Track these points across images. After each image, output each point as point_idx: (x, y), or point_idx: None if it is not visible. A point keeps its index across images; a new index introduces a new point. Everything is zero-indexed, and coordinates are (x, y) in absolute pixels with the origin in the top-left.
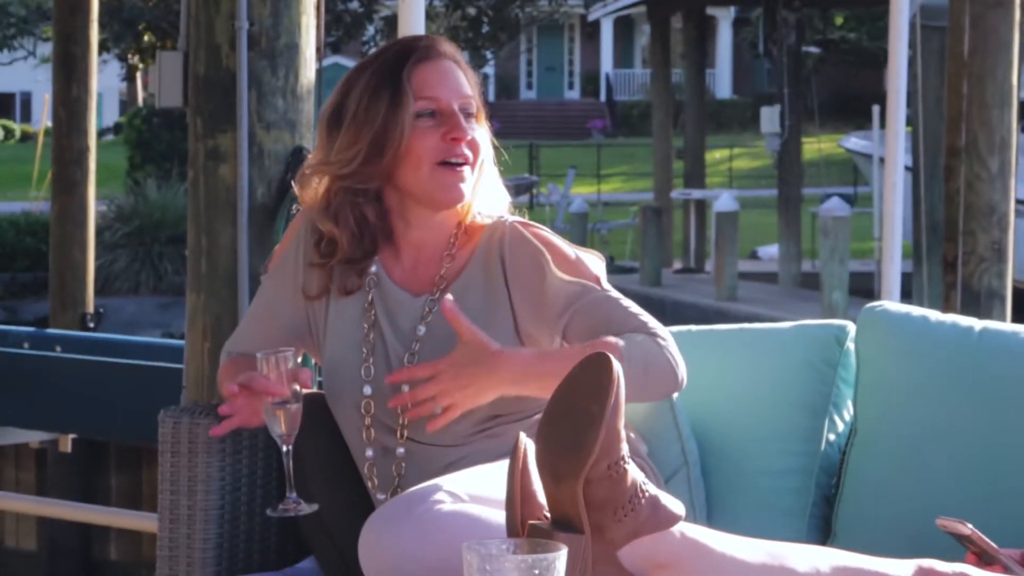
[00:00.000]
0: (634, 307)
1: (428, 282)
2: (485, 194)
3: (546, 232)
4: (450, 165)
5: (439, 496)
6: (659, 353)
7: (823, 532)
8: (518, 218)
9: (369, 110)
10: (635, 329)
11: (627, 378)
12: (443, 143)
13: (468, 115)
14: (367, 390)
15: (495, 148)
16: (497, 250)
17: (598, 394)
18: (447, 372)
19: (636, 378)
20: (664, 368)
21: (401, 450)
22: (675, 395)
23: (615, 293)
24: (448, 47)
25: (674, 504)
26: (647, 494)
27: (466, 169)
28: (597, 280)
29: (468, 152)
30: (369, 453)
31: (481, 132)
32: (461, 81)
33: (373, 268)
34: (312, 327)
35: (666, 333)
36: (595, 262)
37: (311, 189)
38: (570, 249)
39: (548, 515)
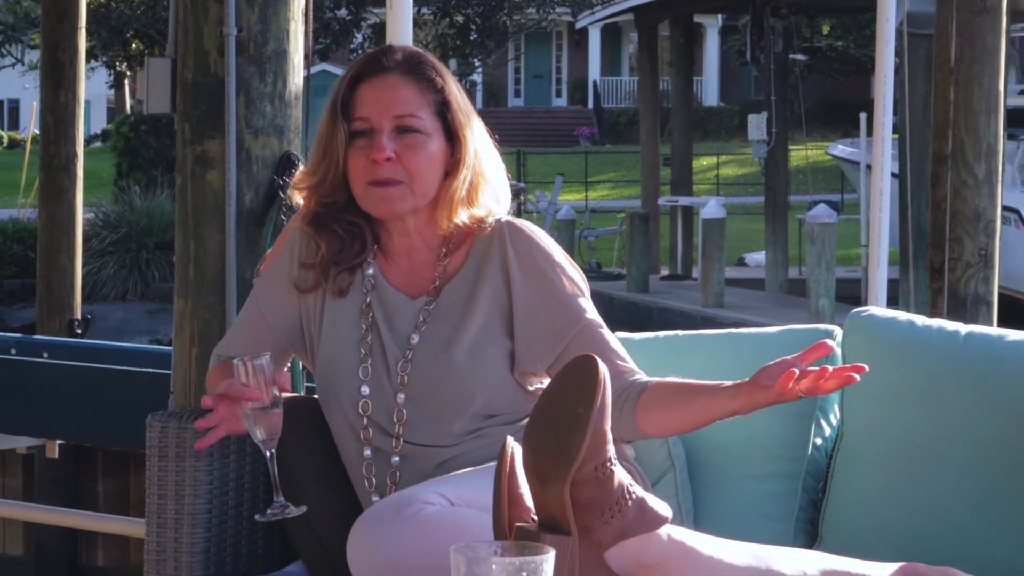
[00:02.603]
0: (615, 342)
1: (424, 285)
2: (479, 197)
3: (541, 233)
4: (377, 184)
5: (428, 498)
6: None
7: (809, 536)
8: (511, 218)
9: (320, 128)
10: (625, 372)
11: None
12: (367, 164)
13: (406, 131)
14: (364, 390)
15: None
16: (497, 249)
17: (584, 396)
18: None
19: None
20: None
21: (396, 459)
22: None
23: (598, 318)
24: (400, 57)
25: (661, 506)
26: (634, 496)
27: (396, 188)
28: (582, 292)
29: (394, 172)
30: (367, 452)
31: (420, 148)
32: (399, 97)
33: (371, 271)
34: (305, 327)
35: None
36: (580, 274)
37: (299, 196)
38: (561, 253)
39: (535, 518)
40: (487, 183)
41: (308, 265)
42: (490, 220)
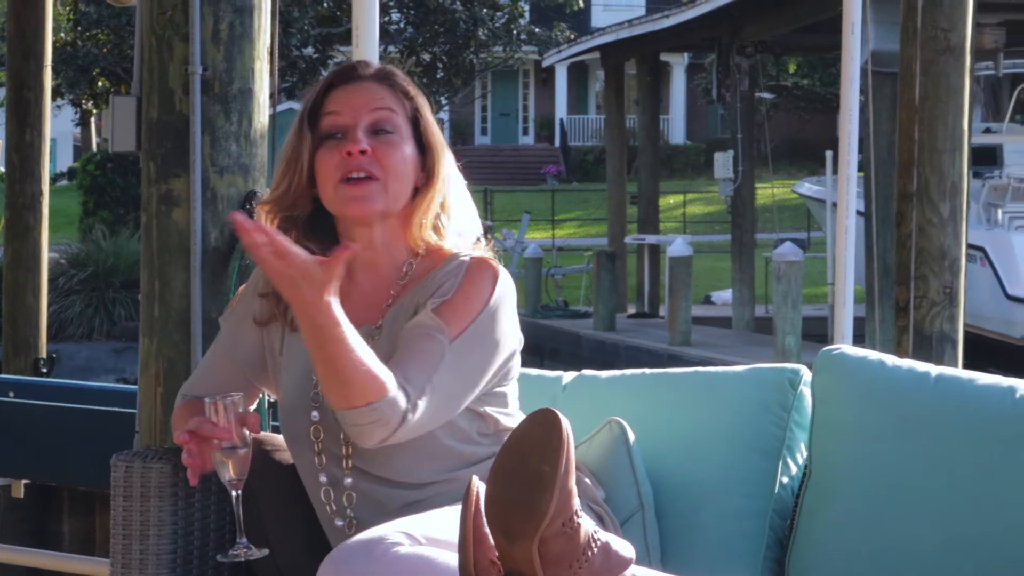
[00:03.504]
0: (437, 374)
1: (374, 312)
2: (452, 217)
3: (485, 276)
4: (351, 180)
5: (396, 539)
6: (392, 416)
7: (776, 575)
8: (482, 254)
9: (287, 141)
10: (409, 382)
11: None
12: (341, 159)
13: (382, 131)
14: (315, 415)
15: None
16: (446, 281)
17: (549, 455)
18: (294, 265)
19: (365, 411)
20: (381, 424)
21: (349, 481)
22: (631, 438)
23: (444, 351)
24: (374, 69)
25: (624, 548)
26: (599, 542)
27: (371, 185)
28: (460, 332)
29: (370, 166)
30: (323, 479)
31: (396, 146)
32: (375, 96)
33: None
34: (269, 360)
35: (411, 413)
36: (509, 340)
37: (263, 216)
38: (486, 302)
39: (499, 560)
40: (456, 208)
41: (264, 295)
42: (464, 256)
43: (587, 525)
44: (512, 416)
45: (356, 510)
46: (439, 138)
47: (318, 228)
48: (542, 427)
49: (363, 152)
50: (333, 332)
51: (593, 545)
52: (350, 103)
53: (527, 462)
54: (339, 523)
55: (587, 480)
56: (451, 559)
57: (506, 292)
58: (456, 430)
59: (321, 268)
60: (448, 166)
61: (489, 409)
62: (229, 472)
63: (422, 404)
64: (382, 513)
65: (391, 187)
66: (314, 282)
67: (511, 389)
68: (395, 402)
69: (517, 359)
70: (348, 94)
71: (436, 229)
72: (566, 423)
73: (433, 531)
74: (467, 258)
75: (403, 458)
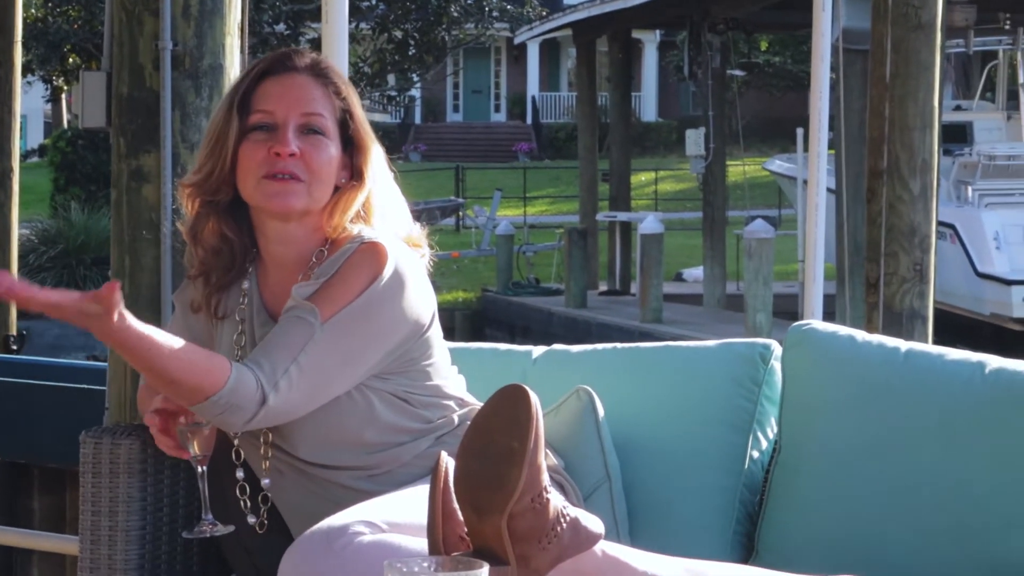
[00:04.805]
0: (304, 354)
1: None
2: (379, 216)
3: (368, 260)
4: (273, 178)
5: (357, 528)
6: (244, 402)
7: (746, 549)
8: (378, 239)
9: (213, 122)
10: (260, 365)
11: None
12: (268, 156)
13: (311, 131)
14: None
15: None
16: (328, 262)
17: (518, 430)
18: (68, 310)
19: (210, 405)
20: (234, 410)
21: (266, 481)
22: (599, 407)
23: (313, 331)
24: (309, 61)
25: (594, 523)
26: (568, 517)
27: (295, 184)
28: (333, 313)
29: (296, 168)
30: (240, 474)
31: (323, 148)
32: (309, 96)
33: (246, 284)
34: (209, 342)
35: (272, 394)
36: (406, 321)
37: (187, 206)
38: (366, 285)
39: (468, 537)
40: (384, 208)
41: (192, 276)
42: (357, 242)
43: (556, 501)
44: (449, 379)
45: (274, 504)
46: (368, 137)
47: (235, 215)
48: (511, 402)
49: (291, 155)
50: (140, 345)
51: (562, 520)
52: (284, 98)
53: (496, 438)
54: (252, 520)
55: (547, 450)
56: (413, 543)
57: (401, 275)
58: (375, 421)
59: (95, 302)
60: (375, 165)
61: (411, 388)
62: (194, 448)
63: (285, 384)
64: (311, 504)
65: (314, 191)
66: (92, 317)
67: (436, 362)
68: (238, 389)
69: (429, 338)
70: (282, 88)
71: (364, 220)
72: (535, 398)
73: (394, 516)
74: (358, 243)
75: (328, 452)
